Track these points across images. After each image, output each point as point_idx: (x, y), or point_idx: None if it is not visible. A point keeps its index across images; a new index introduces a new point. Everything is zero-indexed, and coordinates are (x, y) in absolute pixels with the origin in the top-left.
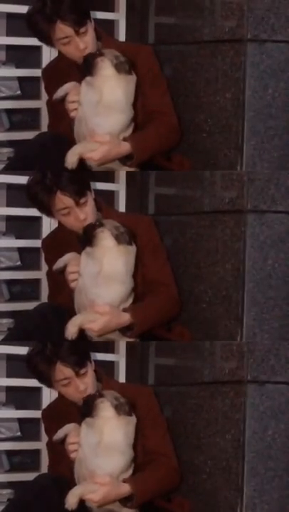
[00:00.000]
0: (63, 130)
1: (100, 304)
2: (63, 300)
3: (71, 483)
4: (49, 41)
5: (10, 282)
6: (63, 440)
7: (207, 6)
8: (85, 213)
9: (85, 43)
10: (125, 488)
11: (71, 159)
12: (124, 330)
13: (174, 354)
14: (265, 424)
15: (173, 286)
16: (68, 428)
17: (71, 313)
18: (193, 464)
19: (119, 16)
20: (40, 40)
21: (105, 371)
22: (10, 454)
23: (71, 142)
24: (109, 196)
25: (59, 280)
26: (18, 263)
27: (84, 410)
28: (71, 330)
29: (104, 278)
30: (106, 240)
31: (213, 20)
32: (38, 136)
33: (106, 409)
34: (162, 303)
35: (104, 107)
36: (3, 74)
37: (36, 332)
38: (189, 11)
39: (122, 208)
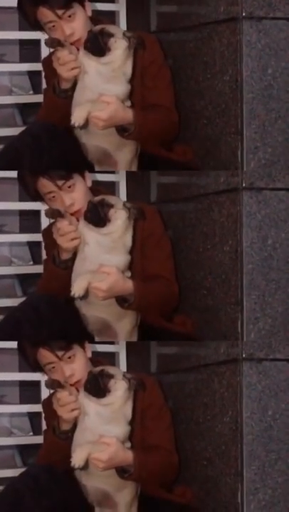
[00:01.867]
0: (56, 122)
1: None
2: (58, 289)
3: (63, 473)
4: (40, 27)
5: (23, 280)
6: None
7: None
8: (72, 199)
9: (71, 28)
10: (129, 455)
11: (79, 114)
12: (122, 301)
13: (174, 342)
14: (264, 404)
15: (174, 282)
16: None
17: (68, 302)
18: (194, 451)
19: (119, 7)
20: (33, 27)
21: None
22: (23, 453)
23: (64, 132)
24: (110, 187)
25: (55, 269)
26: (31, 263)
27: (92, 390)
28: (80, 285)
29: (114, 248)
30: (120, 219)
31: (209, 1)
32: (28, 128)
33: (121, 389)
34: (162, 290)
35: (114, 77)
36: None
37: (27, 325)
38: None
39: (123, 198)
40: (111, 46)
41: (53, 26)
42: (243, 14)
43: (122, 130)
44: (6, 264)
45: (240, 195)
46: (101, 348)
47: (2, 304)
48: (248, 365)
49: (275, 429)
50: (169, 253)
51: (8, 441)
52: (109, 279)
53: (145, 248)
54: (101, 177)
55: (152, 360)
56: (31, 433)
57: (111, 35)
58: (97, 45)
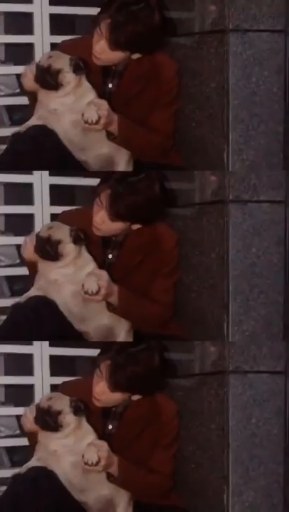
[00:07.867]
0: None
1: None
2: None
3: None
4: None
5: (10, 280)
6: None
7: None
8: (103, 221)
9: (100, 47)
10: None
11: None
12: (109, 305)
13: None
14: (248, 413)
15: (169, 308)
16: None
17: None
18: (182, 455)
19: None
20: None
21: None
22: (10, 452)
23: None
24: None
25: None
26: (18, 261)
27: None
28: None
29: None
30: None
31: (198, 13)
32: (28, 130)
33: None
34: (149, 311)
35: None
36: (2, 72)
37: (27, 327)
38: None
39: None
40: (62, 81)
41: (96, 33)
42: (230, 27)
43: (108, 134)
44: None
45: (227, 208)
46: (84, 352)
47: None
48: (234, 378)
49: (258, 436)
50: (174, 281)
51: None
52: (104, 276)
53: (156, 275)
54: (93, 182)
55: None
56: (18, 431)
57: (58, 71)
58: (47, 82)
